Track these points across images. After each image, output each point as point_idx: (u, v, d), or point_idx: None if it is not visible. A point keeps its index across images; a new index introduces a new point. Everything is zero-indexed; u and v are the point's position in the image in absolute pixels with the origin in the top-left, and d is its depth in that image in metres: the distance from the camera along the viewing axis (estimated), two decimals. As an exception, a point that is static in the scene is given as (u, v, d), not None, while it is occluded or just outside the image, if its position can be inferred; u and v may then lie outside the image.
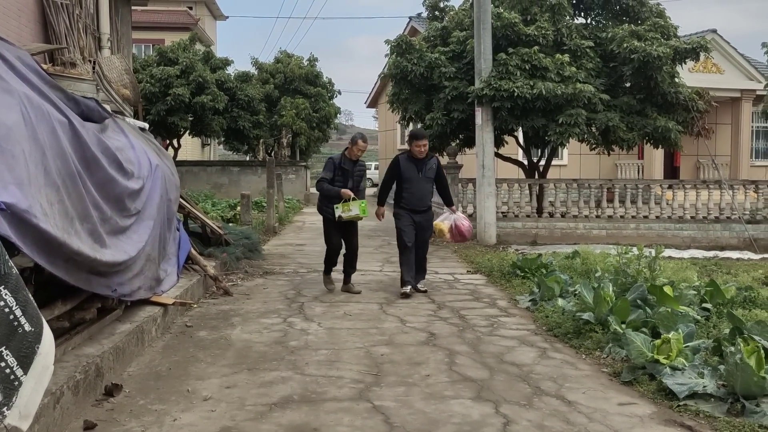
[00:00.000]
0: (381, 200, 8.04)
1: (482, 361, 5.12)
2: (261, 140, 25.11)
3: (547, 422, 3.90)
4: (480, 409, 4.07)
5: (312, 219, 17.71)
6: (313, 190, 33.40)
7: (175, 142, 22.36)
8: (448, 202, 8.18)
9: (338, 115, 29.25)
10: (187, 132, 22.21)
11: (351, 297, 7.58)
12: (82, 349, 4.39)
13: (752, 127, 22.70)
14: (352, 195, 7.37)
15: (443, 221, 8.05)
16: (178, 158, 21.43)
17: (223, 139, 25.03)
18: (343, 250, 7.86)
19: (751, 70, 21.30)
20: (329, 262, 7.88)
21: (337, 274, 8.10)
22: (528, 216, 13.60)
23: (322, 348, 5.41)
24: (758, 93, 20.34)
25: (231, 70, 23.14)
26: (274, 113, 24.40)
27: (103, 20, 8.45)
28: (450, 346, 5.50)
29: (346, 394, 4.33)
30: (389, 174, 7.82)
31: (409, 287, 7.51)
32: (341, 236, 7.70)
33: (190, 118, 21.01)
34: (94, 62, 7.51)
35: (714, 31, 20.42)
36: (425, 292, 7.72)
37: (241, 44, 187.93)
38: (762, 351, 4.20)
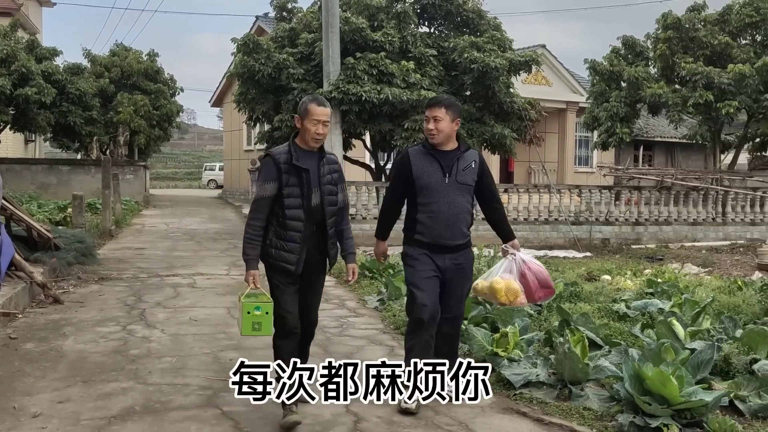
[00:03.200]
0: (382, 231, 4.47)
1: (332, 361, 5.14)
2: (95, 138, 23.45)
3: (396, 417, 4.01)
4: (331, 409, 4.08)
5: (152, 221, 16.90)
6: (154, 191, 31.93)
7: (-7, 137, 20.34)
8: (506, 233, 4.49)
9: (180, 114, 28.13)
10: (8, 127, 20.27)
11: (197, 301, 7.30)
12: None
13: (576, 136, 24.88)
14: (258, 285, 3.88)
15: (507, 275, 4.36)
16: (-2, 155, 19.56)
17: (50, 135, 23.09)
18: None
19: (575, 84, 23.35)
20: (282, 350, 3.95)
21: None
22: (375, 218, 13.86)
23: (167, 355, 5.17)
24: (581, 105, 22.34)
25: (60, 62, 21.48)
26: (110, 109, 22.97)
27: None
28: (300, 348, 5.47)
29: (193, 402, 4.17)
30: (395, 182, 4.39)
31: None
32: (297, 298, 4.01)
33: (12, 112, 19.17)
34: None
35: (543, 47, 22.12)
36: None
37: (71, 34, 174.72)
38: (586, 340, 4.60)
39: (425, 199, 4.16)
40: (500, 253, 4.68)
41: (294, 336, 3.97)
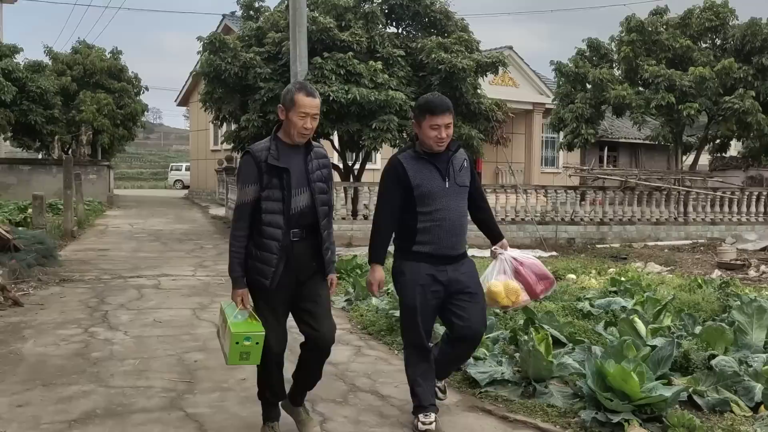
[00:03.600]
0: (378, 253, 3.95)
1: (299, 361, 5.12)
2: (56, 137, 23.00)
3: (363, 417, 4.01)
4: (297, 410, 4.06)
5: (116, 222, 16.63)
6: (118, 191, 31.37)
7: (-49, 136, 19.83)
8: (495, 234, 4.14)
9: (145, 113, 27.75)
10: (-33, 125, 19.79)
11: (162, 302, 7.20)
12: None
13: (542, 137, 25.15)
14: (247, 306, 3.45)
15: (503, 276, 4.09)
16: (-44, 154, 19.03)
17: (10, 134, 22.59)
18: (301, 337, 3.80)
19: (542, 85, 23.61)
20: (266, 382, 3.64)
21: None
22: (343, 218, 13.87)
23: (130, 357, 5.10)
24: (547, 106, 22.58)
25: (20, 59, 21.03)
26: (72, 108, 22.55)
27: None
28: (266, 349, 5.44)
29: (156, 404, 4.12)
30: (389, 194, 3.87)
31: (434, 416, 3.79)
32: (285, 319, 3.65)
33: (-29, 110, 18.75)
34: None
35: (510, 48, 22.32)
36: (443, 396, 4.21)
37: (32, 31, 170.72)
38: (550, 338, 4.66)
39: (427, 207, 3.74)
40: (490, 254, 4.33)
41: (276, 363, 3.57)
